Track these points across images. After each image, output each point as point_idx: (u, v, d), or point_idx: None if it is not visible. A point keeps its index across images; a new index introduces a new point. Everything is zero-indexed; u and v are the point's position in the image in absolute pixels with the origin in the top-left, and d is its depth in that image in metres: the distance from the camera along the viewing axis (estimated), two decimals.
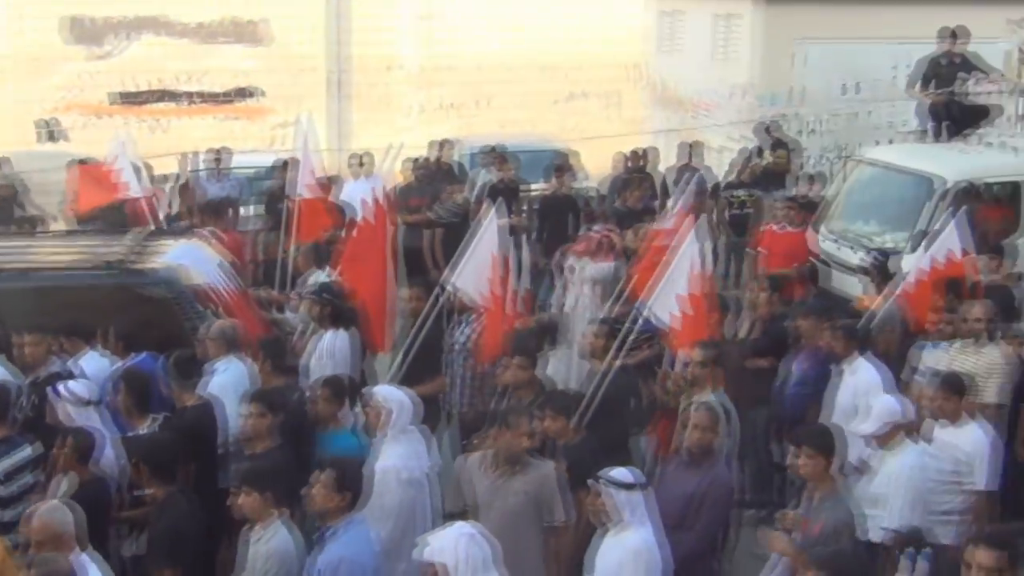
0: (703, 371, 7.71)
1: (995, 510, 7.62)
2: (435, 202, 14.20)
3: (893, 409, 7.06)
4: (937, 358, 8.64)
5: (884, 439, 7.00)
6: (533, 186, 15.42)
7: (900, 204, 12.16)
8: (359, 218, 10.40)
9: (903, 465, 6.96)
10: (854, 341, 8.37)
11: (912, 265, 10.05)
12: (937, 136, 13.43)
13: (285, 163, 13.73)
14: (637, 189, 14.36)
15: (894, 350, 9.10)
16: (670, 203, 11.28)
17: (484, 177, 15.26)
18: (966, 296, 9.34)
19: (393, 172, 9.93)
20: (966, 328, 8.68)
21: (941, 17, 14.46)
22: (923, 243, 10.46)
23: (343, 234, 11.17)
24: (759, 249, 12.79)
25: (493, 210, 9.13)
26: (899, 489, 6.86)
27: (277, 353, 8.40)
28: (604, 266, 10.87)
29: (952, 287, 9.46)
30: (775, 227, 12.66)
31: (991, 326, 8.66)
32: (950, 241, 9.79)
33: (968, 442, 7.33)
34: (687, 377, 7.90)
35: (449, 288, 9.02)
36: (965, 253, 9.89)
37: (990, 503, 7.44)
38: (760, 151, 15.38)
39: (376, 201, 9.98)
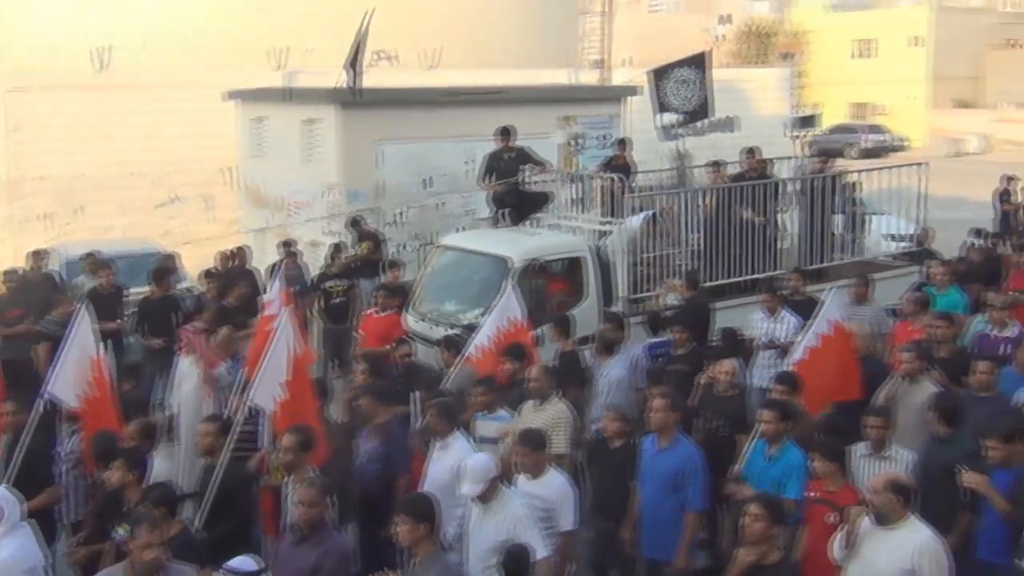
0: (296, 457, 7.54)
1: (576, 548, 8.01)
2: (37, 313, 13.27)
3: (487, 466, 7.15)
4: (487, 427, 8.98)
5: (486, 495, 7.07)
6: (136, 290, 14.78)
7: (477, 283, 12.64)
8: None
9: (518, 506, 7.10)
10: (450, 419, 8.33)
11: (479, 337, 10.44)
12: (504, 221, 14.13)
13: None
14: (238, 286, 14.11)
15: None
16: (266, 296, 11.16)
17: (85, 283, 14.54)
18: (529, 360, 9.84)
19: None
20: (528, 388, 9.12)
21: (502, 116, 15.34)
22: (485, 316, 10.87)
23: None
24: (359, 332, 12.90)
25: (85, 313, 8.64)
26: (525, 524, 6.97)
27: None
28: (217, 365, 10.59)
29: (512, 353, 9.93)
30: (373, 311, 12.86)
31: (550, 384, 9.15)
32: (501, 316, 10.33)
33: (552, 490, 7.59)
34: (283, 462, 7.73)
35: (45, 397, 8.42)
36: (520, 322, 10.44)
37: (573, 541, 7.78)
38: (342, 245, 15.64)
39: None
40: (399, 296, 13.09)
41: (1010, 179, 21.28)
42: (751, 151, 14.93)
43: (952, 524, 7.39)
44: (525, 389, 9.23)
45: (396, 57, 29.36)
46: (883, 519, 6.53)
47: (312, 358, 11.09)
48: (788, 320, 11.59)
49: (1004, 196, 21.14)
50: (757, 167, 14.61)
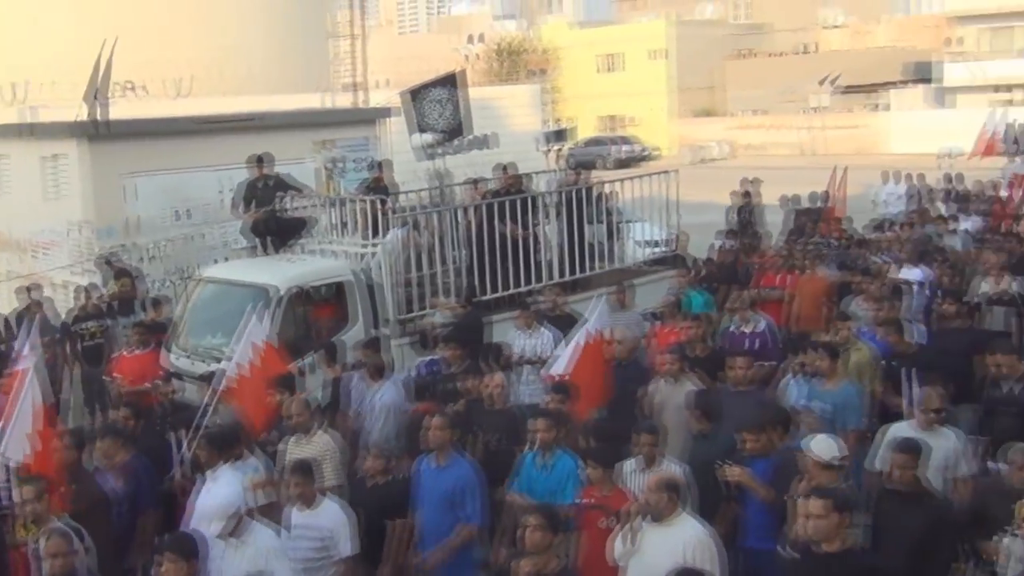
0: (39, 505, 7.23)
1: (359, 571, 7.86)
2: None
3: (228, 502, 7.06)
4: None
5: (235, 531, 6.96)
6: None
7: (241, 315, 12.22)
8: None
9: (268, 538, 7.02)
10: (219, 450, 8.15)
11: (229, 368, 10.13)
12: (264, 250, 13.79)
13: None
14: None
15: None
16: (16, 345, 10.56)
17: None
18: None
19: None
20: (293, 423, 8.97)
21: (256, 144, 15.00)
22: (234, 345, 10.54)
23: None
24: (114, 376, 12.31)
25: None
26: (277, 555, 6.90)
27: None
28: None
29: (281, 383, 9.70)
30: (126, 351, 12.36)
31: (311, 416, 9.03)
32: (247, 344, 10.07)
33: (328, 518, 7.56)
34: (27, 515, 7.37)
35: None
36: (269, 345, 10.21)
37: (353, 567, 7.67)
38: (92, 285, 14.99)
39: None
40: (157, 332, 12.59)
41: (751, 182, 22.32)
42: (504, 167, 15.14)
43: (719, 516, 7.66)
44: (286, 425, 9.06)
45: (143, 87, 28.34)
46: (658, 516, 6.75)
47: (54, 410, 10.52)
48: (545, 335, 11.69)
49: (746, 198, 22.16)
50: (513, 182, 14.82)
